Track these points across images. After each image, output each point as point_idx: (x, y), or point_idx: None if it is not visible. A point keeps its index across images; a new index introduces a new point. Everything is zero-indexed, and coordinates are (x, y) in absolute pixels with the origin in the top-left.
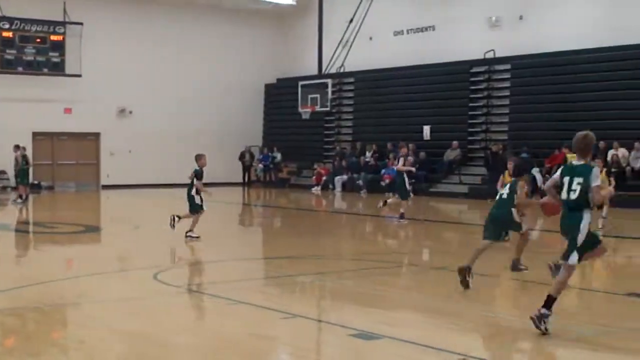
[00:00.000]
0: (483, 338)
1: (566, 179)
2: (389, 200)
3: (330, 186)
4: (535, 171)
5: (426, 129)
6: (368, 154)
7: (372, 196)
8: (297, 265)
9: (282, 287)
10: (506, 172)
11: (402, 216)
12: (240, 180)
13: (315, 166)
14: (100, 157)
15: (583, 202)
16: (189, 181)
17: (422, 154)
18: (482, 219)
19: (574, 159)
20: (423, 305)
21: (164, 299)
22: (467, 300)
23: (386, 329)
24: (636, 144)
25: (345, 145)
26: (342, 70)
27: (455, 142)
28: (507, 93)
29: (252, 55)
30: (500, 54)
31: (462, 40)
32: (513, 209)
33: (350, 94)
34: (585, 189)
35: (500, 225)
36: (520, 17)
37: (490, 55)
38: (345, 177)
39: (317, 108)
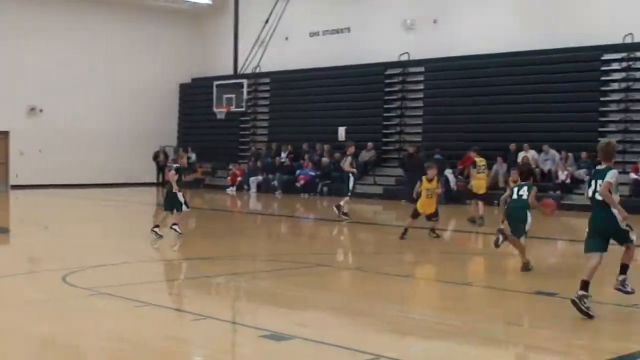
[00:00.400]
0: (396, 338)
1: (593, 182)
2: (342, 203)
3: (245, 187)
4: (448, 172)
5: (341, 130)
6: (283, 155)
7: (287, 197)
8: (211, 266)
9: (195, 289)
10: (424, 178)
11: (345, 214)
12: (154, 180)
13: (230, 167)
14: (9, 157)
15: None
16: (170, 179)
17: (337, 155)
18: (397, 220)
19: (481, 162)
20: (337, 306)
21: (73, 302)
22: (380, 300)
23: (299, 329)
24: (544, 147)
25: (260, 146)
26: (257, 71)
27: (370, 143)
28: (421, 95)
29: (168, 55)
30: (414, 56)
31: (378, 42)
32: (529, 212)
33: (266, 95)
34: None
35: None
36: (435, 21)
37: (404, 57)
38: (260, 177)
39: (233, 108)
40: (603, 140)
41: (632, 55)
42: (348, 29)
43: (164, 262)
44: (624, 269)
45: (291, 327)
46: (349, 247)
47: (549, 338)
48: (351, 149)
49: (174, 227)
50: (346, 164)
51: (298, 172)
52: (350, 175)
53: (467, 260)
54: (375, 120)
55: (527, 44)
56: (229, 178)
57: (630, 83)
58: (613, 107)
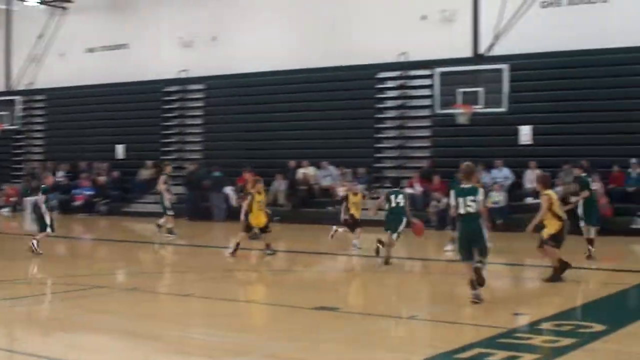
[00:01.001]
0: (179, 359)
1: (460, 199)
2: (161, 221)
3: (20, 207)
4: (228, 189)
5: (120, 148)
6: (60, 174)
7: (64, 217)
8: None
9: None
10: (254, 192)
11: (170, 231)
12: None
13: (4, 187)
14: None
15: (479, 213)
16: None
17: (116, 173)
18: (180, 238)
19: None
20: (116, 328)
21: None
22: (161, 321)
23: (79, 354)
24: (323, 163)
25: (35, 165)
26: (32, 87)
27: (149, 162)
28: (201, 112)
29: None
30: (194, 73)
31: (156, 58)
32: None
33: (42, 112)
34: (478, 203)
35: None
36: (214, 38)
37: (183, 75)
38: (36, 197)
39: (5, 126)
40: (464, 163)
41: (406, 74)
42: (126, 46)
43: None
44: (478, 284)
45: (70, 352)
46: (127, 267)
47: (330, 352)
48: (167, 169)
49: (33, 242)
50: (160, 183)
51: (74, 191)
52: (165, 193)
53: (248, 278)
54: (154, 138)
55: (304, 62)
56: (3, 198)
57: (404, 101)
58: (389, 124)
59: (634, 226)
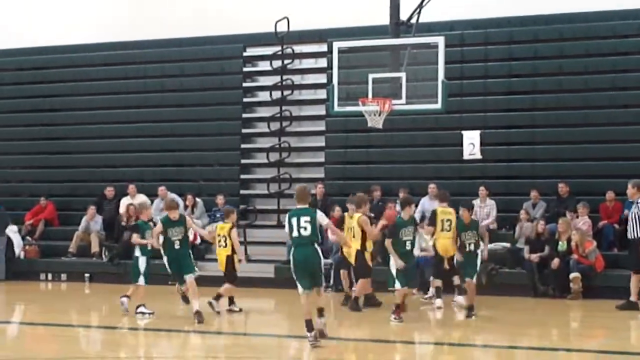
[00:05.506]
0: None
1: (294, 220)
2: None
3: None
4: (12, 231)
5: None
6: None
7: None
8: None
9: None
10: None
11: None
12: None
13: None
14: None
15: (315, 237)
16: None
17: None
18: None
19: None
20: None
21: None
22: None
23: None
24: (161, 189)
25: None
26: None
27: None
28: None
29: None
30: None
31: None
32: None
33: None
34: (314, 225)
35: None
36: None
37: None
38: None
39: None
40: (299, 186)
41: (288, 52)
42: None
43: None
44: (321, 312)
45: None
46: None
47: None
48: None
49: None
50: None
51: None
52: None
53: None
54: None
55: (121, 33)
56: None
57: (286, 93)
58: (262, 128)
59: None
